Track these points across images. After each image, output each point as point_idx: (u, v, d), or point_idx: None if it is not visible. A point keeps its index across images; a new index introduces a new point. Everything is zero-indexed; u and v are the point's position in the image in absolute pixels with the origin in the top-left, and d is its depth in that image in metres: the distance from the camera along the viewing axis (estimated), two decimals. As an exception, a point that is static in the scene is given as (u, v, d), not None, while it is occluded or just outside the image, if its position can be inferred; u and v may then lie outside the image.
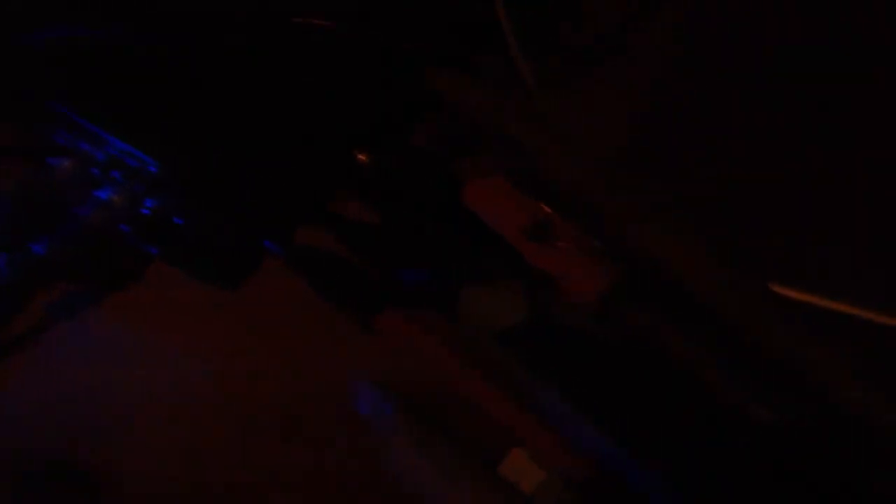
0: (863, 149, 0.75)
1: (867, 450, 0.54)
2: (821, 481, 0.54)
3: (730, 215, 0.73)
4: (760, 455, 0.54)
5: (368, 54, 0.69)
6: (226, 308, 0.86)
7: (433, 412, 0.64)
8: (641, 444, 0.57)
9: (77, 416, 0.90)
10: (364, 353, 0.68)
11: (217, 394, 0.86)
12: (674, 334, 0.57)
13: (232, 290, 0.76)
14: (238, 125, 0.66)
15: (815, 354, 0.55)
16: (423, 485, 0.59)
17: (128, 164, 0.69)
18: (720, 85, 0.81)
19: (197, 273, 0.75)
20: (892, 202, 0.73)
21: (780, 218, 0.73)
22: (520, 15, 0.70)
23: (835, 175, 0.74)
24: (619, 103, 0.82)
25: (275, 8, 0.65)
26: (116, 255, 0.78)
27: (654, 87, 0.81)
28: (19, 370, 0.91)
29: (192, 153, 0.65)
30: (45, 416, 0.91)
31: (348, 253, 0.77)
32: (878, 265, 0.70)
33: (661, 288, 0.57)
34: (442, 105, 0.72)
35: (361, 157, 0.73)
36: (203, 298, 0.86)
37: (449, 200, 0.68)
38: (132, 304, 0.83)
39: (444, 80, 0.68)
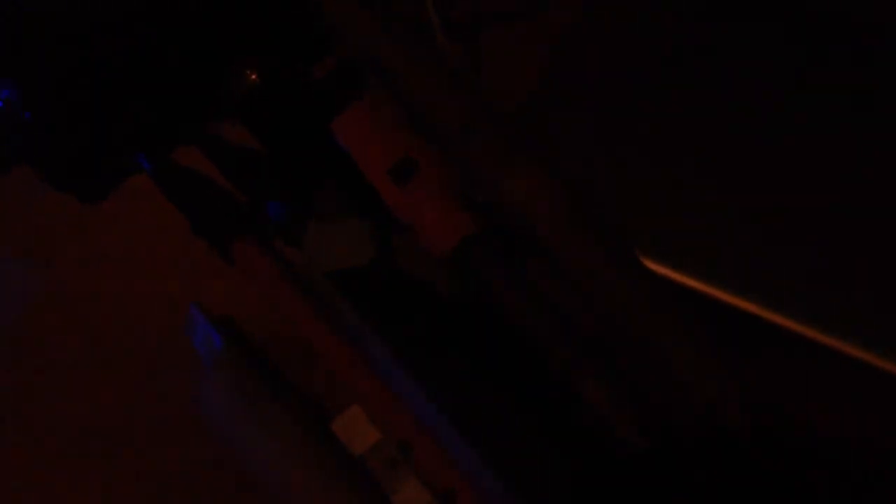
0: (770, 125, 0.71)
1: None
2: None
3: (613, 183, 0.69)
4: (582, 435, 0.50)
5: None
6: (86, 230, 0.80)
7: (270, 356, 0.59)
8: (471, 419, 0.52)
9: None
10: (212, 285, 0.63)
11: (64, 321, 0.80)
12: (524, 301, 0.52)
13: (91, 203, 0.70)
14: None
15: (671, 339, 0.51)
16: (235, 431, 0.54)
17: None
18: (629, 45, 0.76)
19: (54, 180, 0.70)
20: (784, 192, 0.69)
21: (666, 191, 0.68)
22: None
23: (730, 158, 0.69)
24: (523, 59, 0.78)
25: None
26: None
27: (558, 44, 0.76)
28: None
29: (37, 37, 0.59)
30: None
31: (221, 178, 0.72)
32: (762, 256, 0.66)
33: (519, 247, 0.53)
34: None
35: (252, 76, 0.68)
36: (62, 219, 0.80)
37: (325, 133, 0.63)
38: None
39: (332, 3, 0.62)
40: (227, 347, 0.56)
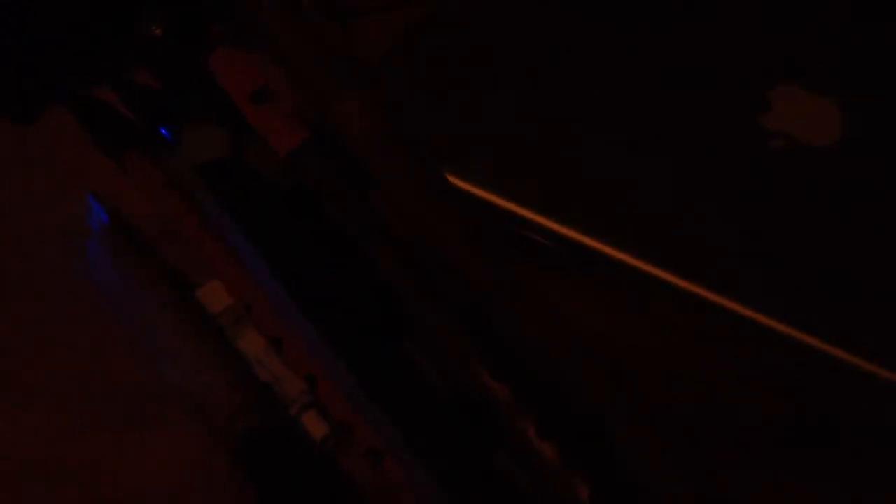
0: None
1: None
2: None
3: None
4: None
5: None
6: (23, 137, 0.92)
7: (151, 241, 0.74)
8: (299, 284, 0.68)
9: None
10: (112, 190, 0.78)
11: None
12: (347, 203, 0.68)
13: (23, 125, 0.84)
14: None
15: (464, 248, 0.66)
16: (116, 290, 0.69)
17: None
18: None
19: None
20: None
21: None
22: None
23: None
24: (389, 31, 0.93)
25: None
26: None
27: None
28: None
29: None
30: None
31: (125, 105, 0.87)
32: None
33: (344, 158, 0.68)
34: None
35: (157, 30, 0.83)
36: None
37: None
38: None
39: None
40: (113, 224, 0.71)
